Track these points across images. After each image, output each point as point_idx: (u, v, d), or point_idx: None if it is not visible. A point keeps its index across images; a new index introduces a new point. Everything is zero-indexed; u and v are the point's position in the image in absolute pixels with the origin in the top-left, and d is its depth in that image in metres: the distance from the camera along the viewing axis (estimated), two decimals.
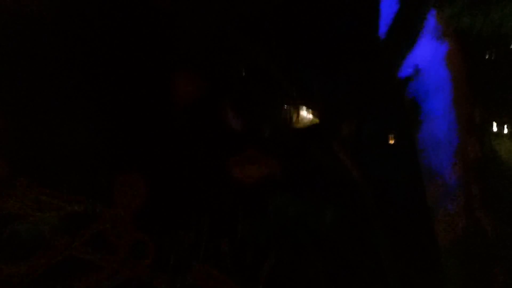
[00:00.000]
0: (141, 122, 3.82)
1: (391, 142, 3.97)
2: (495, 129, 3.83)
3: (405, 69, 3.95)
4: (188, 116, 3.88)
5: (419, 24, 3.86)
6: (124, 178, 3.62)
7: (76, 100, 3.70)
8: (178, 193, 3.73)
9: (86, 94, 3.72)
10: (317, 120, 4.11)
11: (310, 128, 4.09)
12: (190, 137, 3.87)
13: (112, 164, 3.73)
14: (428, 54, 3.86)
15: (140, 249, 3.52)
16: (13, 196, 3.40)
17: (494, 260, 3.47)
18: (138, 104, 3.79)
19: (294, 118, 4.10)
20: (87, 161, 3.68)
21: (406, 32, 3.93)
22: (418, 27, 3.87)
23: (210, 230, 3.66)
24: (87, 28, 3.67)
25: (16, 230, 3.37)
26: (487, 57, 3.77)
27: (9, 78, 3.57)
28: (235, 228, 3.70)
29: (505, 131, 3.82)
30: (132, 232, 3.55)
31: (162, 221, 3.65)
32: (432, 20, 3.83)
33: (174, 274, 3.49)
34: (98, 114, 3.76)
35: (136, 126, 3.82)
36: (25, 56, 3.60)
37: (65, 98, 3.68)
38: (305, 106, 4.07)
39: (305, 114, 4.19)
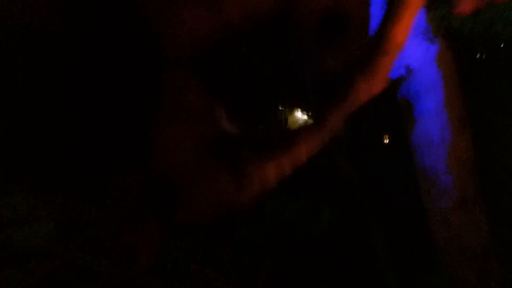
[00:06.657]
0: (135, 125, 3.80)
1: (386, 142, 4.00)
2: (487, 126, 3.89)
3: (398, 70, 3.98)
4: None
5: None
6: (119, 181, 3.59)
7: (69, 107, 3.67)
8: (173, 194, 3.70)
9: (80, 100, 3.69)
10: (311, 121, 4.13)
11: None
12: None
13: (107, 168, 3.70)
14: (419, 55, 3.89)
15: (135, 252, 3.49)
16: (7, 203, 3.35)
17: (490, 257, 3.51)
18: (132, 108, 3.77)
19: (289, 119, 4.11)
20: (82, 165, 3.65)
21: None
22: None
23: (208, 232, 3.65)
24: (81, 32, 3.64)
25: (11, 237, 3.32)
26: (478, 56, 3.82)
27: (2, 86, 3.54)
28: (232, 230, 3.70)
29: (497, 128, 3.88)
30: (128, 236, 3.51)
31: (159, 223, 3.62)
32: (423, 21, 3.86)
33: (172, 277, 3.47)
34: (92, 119, 3.73)
35: (130, 128, 3.80)
36: (16, 64, 3.56)
37: (59, 105, 3.65)
38: (300, 107, 4.09)
39: (300, 115, 4.20)
